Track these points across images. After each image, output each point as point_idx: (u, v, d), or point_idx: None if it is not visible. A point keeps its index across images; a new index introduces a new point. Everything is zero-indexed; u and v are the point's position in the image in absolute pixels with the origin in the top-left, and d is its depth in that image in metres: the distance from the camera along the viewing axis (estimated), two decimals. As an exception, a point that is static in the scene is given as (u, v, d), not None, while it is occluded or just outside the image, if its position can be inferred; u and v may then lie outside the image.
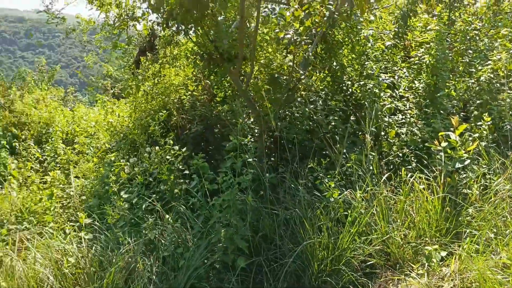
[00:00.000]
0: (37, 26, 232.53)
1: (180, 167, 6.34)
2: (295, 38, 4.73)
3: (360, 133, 6.89)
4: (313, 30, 4.77)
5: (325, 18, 4.71)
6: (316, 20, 4.91)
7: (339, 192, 5.29)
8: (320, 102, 6.89)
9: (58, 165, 10.87)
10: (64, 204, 7.98)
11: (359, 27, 7.11)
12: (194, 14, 5.22)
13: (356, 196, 5.27)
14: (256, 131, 6.86)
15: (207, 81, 6.69)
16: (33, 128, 12.18)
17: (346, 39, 7.41)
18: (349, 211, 5.16)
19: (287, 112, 6.67)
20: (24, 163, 10.55)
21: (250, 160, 5.44)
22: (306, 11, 4.85)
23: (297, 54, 5.59)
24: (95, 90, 32.89)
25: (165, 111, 6.87)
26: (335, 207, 5.24)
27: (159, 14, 5.15)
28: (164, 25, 5.51)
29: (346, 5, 4.92)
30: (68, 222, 6.90)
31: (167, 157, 6.36)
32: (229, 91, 7.44)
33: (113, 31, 5.31)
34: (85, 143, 9.14)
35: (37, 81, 19.25)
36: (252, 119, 7.04)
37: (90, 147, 9.30)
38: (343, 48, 7.51)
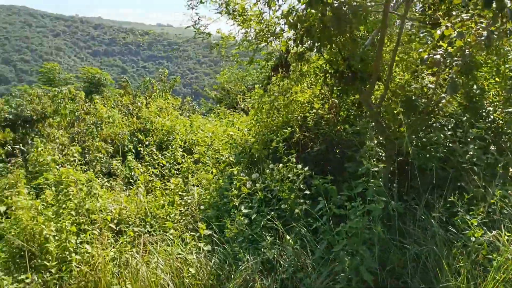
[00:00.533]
0: (159, 39, 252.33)
1: (302, 186, 6.17)
2: (443, 59, 4.30)
3: (502, 165, 6.14)
4: (466, 51, 4.30)
5: (481, 38, 4.23)
6: (469, 39, 4.44)
7: (482, 231, 4.71)
8: (457, 128, 6.30)
9: (178, 172, 11.38)
10: (182, 211, 8.25)
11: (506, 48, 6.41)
12: (331, 31, 5.04)
13: (503, 239, 4.64)
14: (381, 154, 6.45)
15: (335, 99, 6.46)
16: (155, 134, 12.94)
17: (489, 60, 6.72)
18: (494, 255, 4.55)
19: (419, 137, 6.18)
20: (147, 168, 11.21)
21: (381, 186, 5.07)
22: (458, 30, 4.40)
23: (439, 76, 5.13)
24: (206, 99, 34.36)
25: (289, 128, 6.77)
26: (477, 248, 4.66)
27: (296, 31, 5.05)
28: (298, 41, 5.41)
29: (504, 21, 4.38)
30: (187, 231, 7.08)
31: (289, 175, 6.23)
32: (354, 111, 7.14)
33: (251, 46, 5.34)
34: (203, 153, 9.38)
35: (159, 90, 20.49)
36: (377, 142, 6.66)
37: (207, 156, 9.55)
38: (483, 70, 6.82)
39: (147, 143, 12.22)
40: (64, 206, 6.91)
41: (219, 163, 8.65)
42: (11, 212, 6.34)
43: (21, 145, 11.68)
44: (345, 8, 4.62)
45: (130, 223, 7.48)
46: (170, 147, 12.76)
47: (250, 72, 29.59)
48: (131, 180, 11.14)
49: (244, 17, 5.34)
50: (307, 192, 6.16)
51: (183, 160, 12.05)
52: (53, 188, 7.70)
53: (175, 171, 10.72)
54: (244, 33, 5.58)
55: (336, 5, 4.70)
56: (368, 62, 5.61)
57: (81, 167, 11.07)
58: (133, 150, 11.85)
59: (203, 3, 5.49)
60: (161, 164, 11.92)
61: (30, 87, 34.07)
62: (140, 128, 12.83)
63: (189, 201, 8.56)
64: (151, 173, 11.11)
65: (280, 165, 6.33)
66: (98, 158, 11.26)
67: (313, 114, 6.86)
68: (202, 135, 13.10)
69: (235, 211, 6.39)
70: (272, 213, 6.14)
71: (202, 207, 7.69)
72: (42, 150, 10.30)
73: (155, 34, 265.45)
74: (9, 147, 11.55)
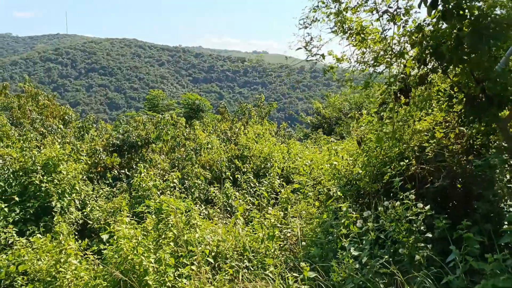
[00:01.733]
0: (255, 66, 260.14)
1: (422, 228, 5.33)
2: None
3: None
4: None
5: None
6: None
7: None
8: None
9: (276, 202, 10.94)
10: (281, 245, 7.73)
11: None
12: (465, 48, 4.26)
13: None
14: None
15: (462, 128, 5.57)
16: (253, 161, 12.71)
17: None
18: None
19: None
20: (244, 196, 10.90)
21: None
22: None
23: None
24: (301, 125, 33.85)
25: (405, 160, 5.99)
26: None
27: (420, 50, 4.35)
28: (421, 62, 4.69)
29: None
30: (288, 269, 6.52)
31: (407, 214, 5.43)
32: (480, 140, 6.14)
33: (366, 69, 4.76)
34: (302, 182, 8.82)
35: (256, 116, 20.42)
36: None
37: (305, 186, 8.96)
38: None
39: (244, 170, 12.00)
40: (163, 236, 6.75)
41: (320, 194, 8.02)
42: (113, 240, 6.30)
43: (126, 169, 12.08)
44: (486, 21, 3.86)
45: (227, 256, 7.11)
46: (267, 174, 12.42)
47: (368, 94, 28.61)
48: (228, 208, 10.92)
49: (362, 35, 4.78)
50: (429, 235, 5.30)
51: (281, 190, 11.61)
52: (153, 216, 7.63)
53: (273, 201, 10.29)
54: (360, 53, 5.03)
55: (474, 18, 3.95)
56: (507, 84, 4.71)
57: (180, 194, 11.10)
58: (231, 177, 11.67)
59: (318, 21, 5.06)
60: (258, 193, 11.58)
61: (137, 113, 36.42)
62: (237, 155, 12.68)
63: (288, 234, 8.03)
64: (248, 201, 10.80)
65: (397, 202, 5.55)
66: (196, 184, 11.22)
67: (434, 144, 6.00)
68: (300, 163, 12.59)
69: (343, 252, 5.71)
70: (386, 256, 5.36)
71: (303, 243, 7.10)
72: (144, 175, 10.47)
73: (251, 61, 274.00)
74: (116, 171, 12.00)
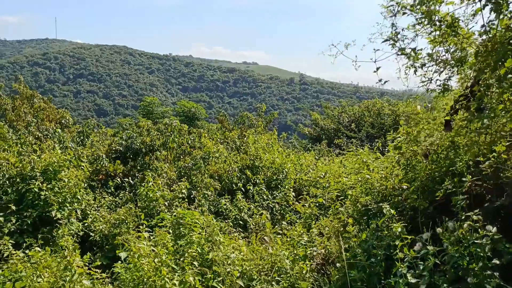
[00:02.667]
0: (244, 77, 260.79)
1: (489, 253, 4.72)
2: None
3: None
4: None
5: None
6: None
7: None
8: None
9: (297, 217, 10.27)
10: (308, 264, 7.06)
11: None
12: None
13: None
14: None
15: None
16: (264, 172, 12.05)
17: None
18: None
19: None
20: (257, 209, 10.22)
21: None
22: None
23: None
24: (299, 136, 33.29)
25: (457, 176, 5.40)
26: None
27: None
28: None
29: None
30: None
31: (470, 237, 4.81)
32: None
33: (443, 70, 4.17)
34: (334, 198, 8.18)
35: (261, 125, 19.67)
36: None
37: (334, 201, 8.33)
38: None
39: (256, 181, 11.33)
40: (184, 253, 6.03)
41: (352, 211, 7.36)
42: (132, 258, 5.57)
43: (130, 178, 11.32)
44: None
45: (253, 277, 6.42)
46: (279, 186, 11.77)
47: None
48: (240, 222, 10.22)
49: (453, 28, 4.18)
50: (496, 261, 4.69)
51: (294, 202, 10.96)
52: (170, 231, 6.91)
53: (293, 215, 9.63)
54: (445, 50, 4.44)
55: None
56: None
57: (188, 205, 10.39)
58: (242, 189, 10.98)
59: (405, 8, 4.44)
60: (270, 206, 10.92)
61: (130, 119, 35.54)
62: (248, 165, 12.01)
63: (314, 253, 7.36)
64: (264, 216, 10.13)
65: (465, 224, 4.92)
66: (206, 195, 10.52)
67: (493, 159, 5.43)
68: (313, 175, 11.97)
69: (395, 279, 5.06)
70: (446, 285, 4.74)
71: (338, 264, 6.44)
72: (152, 184, 9.75)
73: (240, 71, 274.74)
74: (119, 179, 11.23)
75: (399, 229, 4.99)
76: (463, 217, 5.00)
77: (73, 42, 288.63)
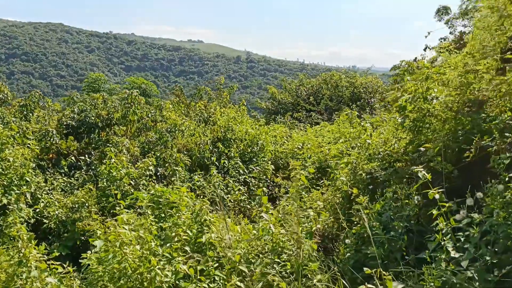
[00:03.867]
0: (190, 55, 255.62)
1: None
2: None
3: None
4: None
5: None
6: None
7: None
8: None
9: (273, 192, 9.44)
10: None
11: None
12: None
13: None
14: None
15: None
16: (237, 144, 11.05)
17: None
18: None
19: None
20: (234, 185, 9.28)
21: None
22: None
23: None
24: (257, 110, 32.44)
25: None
26: None
27: None
28: None
29: None
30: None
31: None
32: None
33: None
34: (334, 167, 7.32)
35: (228, 95, 18.33)
36: None
37: (335, 169, 7.48)
38: None
39: (231, 154, 10.32)
40: (176, 239, 4.97)
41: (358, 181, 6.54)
42: (111, 247, 4.42)
43: (85, 156, 9.94)
44: None
45: (253, 261, 5.49)
46: (254, 159, 10.85)
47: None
48: (217, 199, 9.23)
49: None
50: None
51: (273, 176, 10.12)
52: (149, 212, 5.81)
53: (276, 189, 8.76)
54: None
55: None
56: None
57: (156, 183, 9.26)
58: (216, 163, 9.95)
59: None
60: (247, 180, 10.00)
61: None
62: (220, 137, 10.95)
63: (313, 229, 6.53)
64: (238, 190, 9.21)
65: (500, 186, 4.22)
66: (176, 172, 9.40)
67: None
68: (289, 146, 11.13)
69: (431, 253, 4.31)
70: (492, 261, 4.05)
71: (347, 240, 5.64)
72: (115, 162, 8.51)
73: (186, 50, 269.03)
74: (73, 158, 9.82)
75: (437, 196, 4.22)
76: (506, 179, 4.31)
77: (3, 19, 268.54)
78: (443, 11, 32.08)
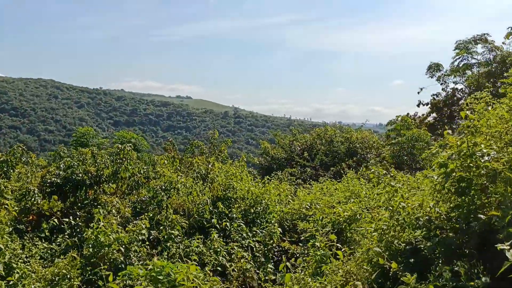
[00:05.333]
0: (179, 111, 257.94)
1: None
2: None
3: None
4: None
5: None
6: None
7: None
8: None
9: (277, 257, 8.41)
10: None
11: None
12: None
13: None
14: None
15: None
16: (238, 204, 10.06)
17: None
18: None
19: None
20: (237, 251, 8.24)
21: None
22: None
23: None
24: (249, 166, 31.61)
25: None
26: None
27: None
28: None
29: None
30: None
31: None
32: None
33: None
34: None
35: (208, 153, 17.59)
36: None
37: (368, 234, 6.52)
38: None
39: (232, 215, 9.31)
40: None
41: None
42: None
43: (70, 217, 8.86)
44: None
45: None
46: (257, 220, 9.84)
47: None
48: (218, 268, 8.15)
49: None
50: None
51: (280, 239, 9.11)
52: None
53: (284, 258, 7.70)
54: None
55: None
56: None
57: (150, 249, 8.20)
58: (217, 226, 8.91)
59: None
60: (251, 245, 8.96)
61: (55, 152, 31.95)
62: (220, 196, 9.98)
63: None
64: (242, 258, 8.16)
65: None
66: (172, 236, 8.34)
67: None
68: (296, 206, 10.18)
69: None
70: None
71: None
72: (104, 225, 7.47)
73: (174, 105, 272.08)
74: (55, 220, 8.72)
75: None
76: None
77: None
78: (434, 67, 32.55)
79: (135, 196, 9.85)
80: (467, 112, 5.27)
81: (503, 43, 28.13)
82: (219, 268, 8.06)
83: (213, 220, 8.95)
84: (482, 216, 4.53)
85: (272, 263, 8.73)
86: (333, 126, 31.29)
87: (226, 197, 10.03)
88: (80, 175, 9.57)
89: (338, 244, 6.92)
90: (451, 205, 5.21)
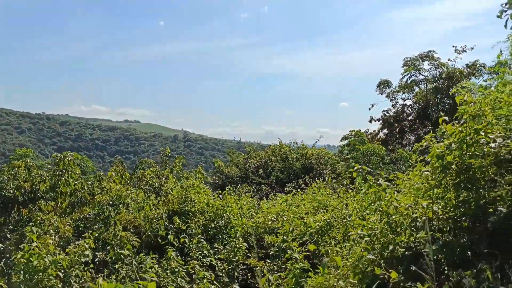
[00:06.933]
0: (126, 135, 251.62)
1: None
2: None
3: None
4: None
5: None
6: None
7: None
8: None
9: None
10: None
11: None
12: None
13: None
14: None
15: None
16: (197, 218, 9.02)
17: None
18: None
19: None
20: (200, 270, 7.22)
21: None
22: None
23: None
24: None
25: None
26: None
27: None
28: None
29: None
30: None
31: None
32: None
33: None
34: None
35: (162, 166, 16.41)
36: None
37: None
38: None
39: (191, 231, 8.25)
40: None
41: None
42: None
43: (-2, 240, 7.47)
44: None
45: None
46: (221, 236, 8.84)
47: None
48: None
49: None
50: None
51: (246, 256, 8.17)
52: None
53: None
54: None
55: None
56: None
57: (96, 273, 7.01)
58: (174, 242, 7.82)
59: None
60: (213, 264, 7.96)
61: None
62: (176, 210, 8.90)
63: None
64: (204, 278, 7.17)
65: None
66: (122, 257, 7.18)
67: None
68: (260, 220, 9.29)
69: None
70: None
71: None
72: (38, 246, 6.25)
73: (122, 129, 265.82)
74: (-21, 244, 7.30)
75: None
76: None
77: None
78: (384, 84, 33.10)
79: (78, 214, 8.59)
80: (465, 95, 4.64)
81: (448, 59, 29.08)
82: (177, 292, 6.98)
83: (169, 236, 7.86)
84: (502, 209, 3.84)
85: (237, 283, 7.76)
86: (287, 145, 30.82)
87: (183, 211, 8.98)
88: (12, 191, 8.22)
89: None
90: (453, 202, 4.52)
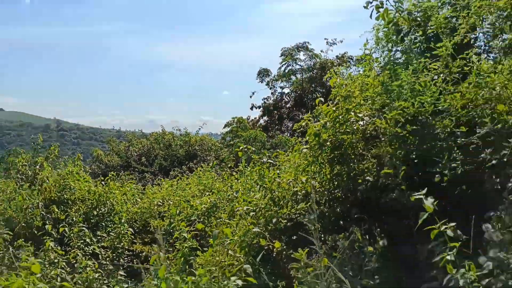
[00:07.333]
0: None
1: None
2: None
3: None
4: None
5: None
6: None
7: None
8: None
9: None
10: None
11: None
12: None
13: None
14: None
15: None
16: (77, 206, 8.55)
17: None
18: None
19: None
20: (83, 259, 6.95)
21: None
22: None
23: None
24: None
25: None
26: None
27: None
28: None
29: None
30: None
31: None
32: None
33: None
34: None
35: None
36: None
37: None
38: None
39: (72, 219, 7.82)
40: None
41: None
42: None
43: None
44: None
45: None
46: (104, 224, 8.53)
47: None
48: (56, 283, 6.70)
49: None
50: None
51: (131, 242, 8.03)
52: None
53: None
54: None
55: None
56: None
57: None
58: (53, 232, 7.33)
59: None
60: (97, 252, 7.69)
61: None
62: (54, 199, 8.33)
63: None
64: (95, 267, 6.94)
65: None
66: (-9, 251, 6.56)
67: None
68: (145, 205, 9.16)
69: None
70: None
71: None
72: None
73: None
74: None
75: (450, 232, 3.00)
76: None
77: None
78: (264, 73, 34.38)
79: None
80: (337, 78, 5.13)
81: (321, 51, 31.24)
82: (56, 283, 6.60)
83: (46, 226, 7.35)
84: (369, 178, 4.35)
85: (123, 270, 7.59)
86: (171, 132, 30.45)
87: (62, 200, 8.44)
88: None
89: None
90: (328, 176, 4.99)
